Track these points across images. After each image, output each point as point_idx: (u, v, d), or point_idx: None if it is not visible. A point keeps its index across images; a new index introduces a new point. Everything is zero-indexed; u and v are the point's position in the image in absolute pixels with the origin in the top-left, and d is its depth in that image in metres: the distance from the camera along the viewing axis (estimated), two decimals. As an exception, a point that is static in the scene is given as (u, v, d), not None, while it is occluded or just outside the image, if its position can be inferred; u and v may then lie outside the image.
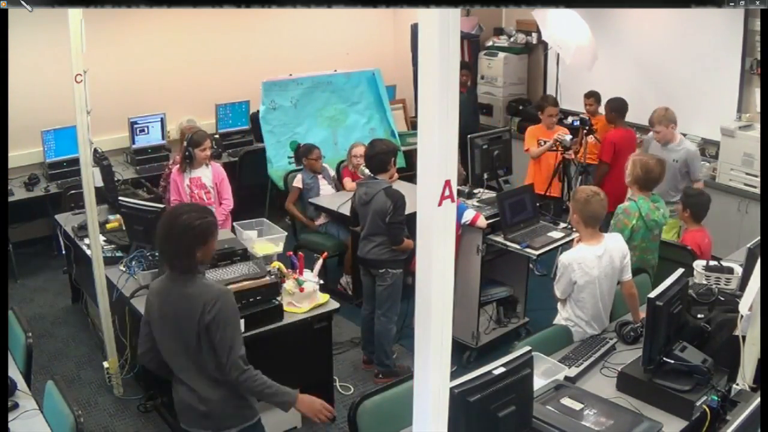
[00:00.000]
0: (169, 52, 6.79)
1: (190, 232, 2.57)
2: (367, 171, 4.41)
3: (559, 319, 3.56)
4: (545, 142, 5.87)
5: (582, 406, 2.71)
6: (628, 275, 3.51)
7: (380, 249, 4.34)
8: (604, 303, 3.46)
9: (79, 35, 3.55)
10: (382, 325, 4.47)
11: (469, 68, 7.64)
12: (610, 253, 3.43)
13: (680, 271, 3.12)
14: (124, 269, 4.13)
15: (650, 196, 4.16)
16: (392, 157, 4.42)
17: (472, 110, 7.61)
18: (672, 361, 2.86)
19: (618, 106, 5.93)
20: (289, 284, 3.80)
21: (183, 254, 2.58)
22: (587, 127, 6.12)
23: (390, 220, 4.23)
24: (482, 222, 4.47)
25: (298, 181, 5.66)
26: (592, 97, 6.35)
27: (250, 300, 3.55)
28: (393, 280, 4.39)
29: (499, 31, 8.38)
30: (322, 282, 3.96)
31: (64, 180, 5.92)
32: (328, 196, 5.69)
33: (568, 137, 6.18)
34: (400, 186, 5.72)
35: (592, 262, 3.37)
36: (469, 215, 4.46)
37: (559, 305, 3.58)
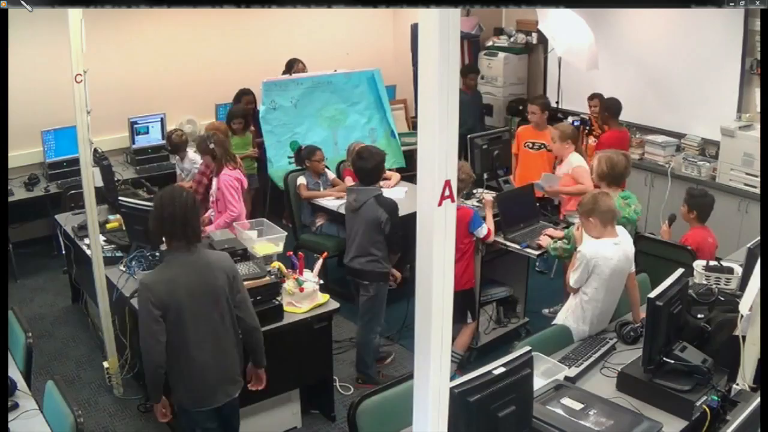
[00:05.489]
0: (169, 52, 6.78)
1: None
2: None
3: (561, 318, 3.55)
4: None
5: (582, 406, 2.71)
6: (632, 268, 3.52)
7: (365, 259, 4.24)
8: (614, 298, 3.46)
9: (79, 35, 3.55)
10: (362, 336, 4.41)
11: (477, 72, 7.64)
12: (625, 245, 3.44)
13: (680, 271, 3.12)
14: (124, 269, 4.13)
15: (621, 192, 4.15)
16: (379, 169, 4.31)
17: (477, 112, 7.58)
18: (672, 361, 2.86)
19: (611, 106, 5.88)
20: (289, 284, 3.80)
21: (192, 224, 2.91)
22: (587, 128, 6.12)
23: (390, 232, 4.17)
24: (493, 237, 4.40)
25: (302, 180, 5.58)
26: (596, 98, 6.24)
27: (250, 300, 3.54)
28: (376, 292, 4.28)
29: (499, 31, 8.38)
30: (322, 282, 3.96)
31: (64, 180, 5.92)
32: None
33: None
34: (401, 186, 5.75)
35: (612, 252, 3.36)
36: (484, 230, 4.31)
37: (571, 297, 3.53)
